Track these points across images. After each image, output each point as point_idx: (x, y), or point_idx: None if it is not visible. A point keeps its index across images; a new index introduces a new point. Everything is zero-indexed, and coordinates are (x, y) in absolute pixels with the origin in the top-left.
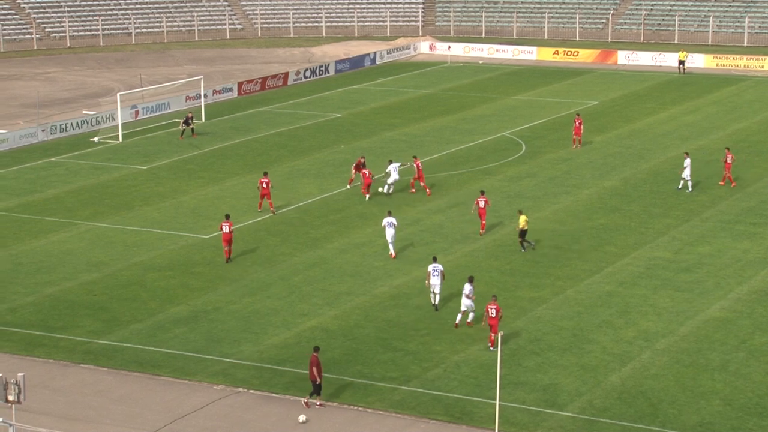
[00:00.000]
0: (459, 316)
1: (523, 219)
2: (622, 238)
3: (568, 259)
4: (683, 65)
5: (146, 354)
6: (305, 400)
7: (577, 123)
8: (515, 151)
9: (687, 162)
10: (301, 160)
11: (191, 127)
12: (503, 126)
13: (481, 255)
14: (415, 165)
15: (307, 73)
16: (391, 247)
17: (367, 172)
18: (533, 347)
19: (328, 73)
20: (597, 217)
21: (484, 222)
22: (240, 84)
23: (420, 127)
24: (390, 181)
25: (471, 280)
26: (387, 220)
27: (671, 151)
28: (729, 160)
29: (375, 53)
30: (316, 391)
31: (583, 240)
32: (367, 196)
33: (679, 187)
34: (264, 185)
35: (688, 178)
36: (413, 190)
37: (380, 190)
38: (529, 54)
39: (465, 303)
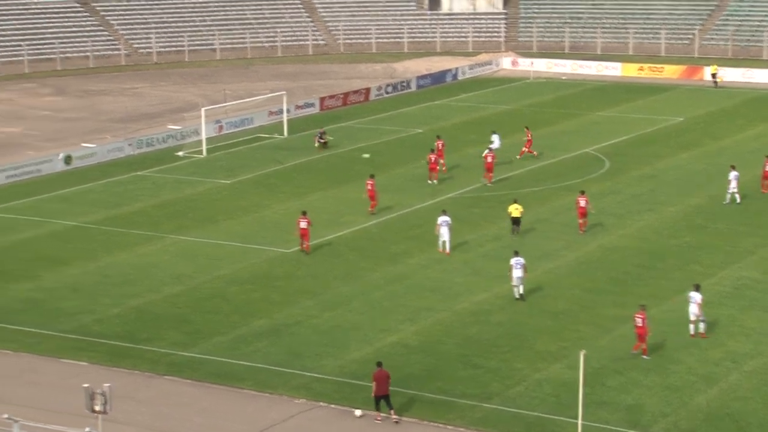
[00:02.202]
0: (691, 326)
1: (514, 207)
2: (708, 256)
3: (652, 278)
4: (715, 78)
5: (228, 367)
6: (378, 417)
7: (527, 137)
8: (598, 168)
9: (732, 175)
10: (382, 175)
11: (324, 141)
12: (586, 142)
13: (562, 272)
14: (437, 145)
15: (389, 89)
16: (447, 245)
17: (433, 158)
18: (617, 366)
19: (410, 88)
20: (682, 235)
21: (585, 221)
22: (322, 99)
23: (501, 143)
24: (493, 146)
25: (697, 288)
26: (442, 219)
27: (759, 168)
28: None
29: (457, 69)
30: (388, 403)
31: (667, 258)
32: (433, 181)
33: (726, 201)
34: (369, 188)
35: (735, 190)
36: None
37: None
38: (614, 70)
39: (693, 311)
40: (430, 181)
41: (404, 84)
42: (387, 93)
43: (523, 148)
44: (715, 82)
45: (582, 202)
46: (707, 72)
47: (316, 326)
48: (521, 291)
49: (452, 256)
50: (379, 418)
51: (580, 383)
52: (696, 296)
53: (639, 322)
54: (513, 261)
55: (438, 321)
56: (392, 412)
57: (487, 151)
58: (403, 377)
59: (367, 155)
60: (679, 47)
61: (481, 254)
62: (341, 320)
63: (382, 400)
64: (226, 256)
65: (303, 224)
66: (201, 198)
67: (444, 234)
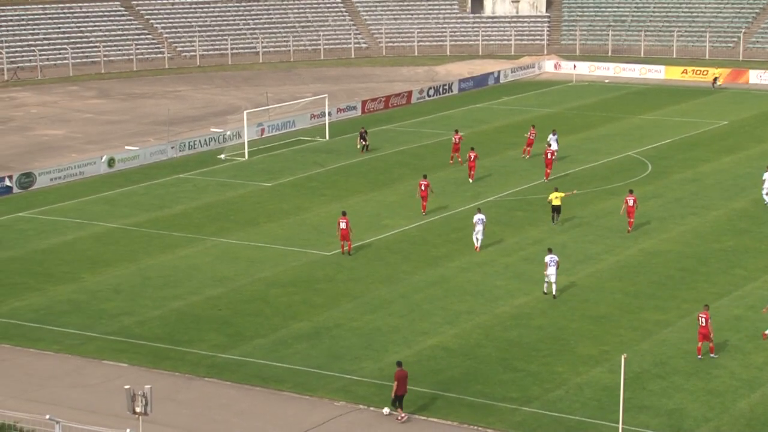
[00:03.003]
0: None
1: (554, 195)
2: (752, 260)
3: (694, 282)
4: (716, 81)
5: (269, 369)
6: (401, 416)
7: (531, 135)
8: (641, 171)
9: (766, 175)
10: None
11: (366, 143)
12: (628, 146)
13: (604, 276)
14: (454, 138)
15: (431, 92)
16: (477, 241)
17: (472, 155)
18: (658, 371)
19: (452, 91)
20: (725, 239)
21: (632, 220)
22: (364, 102)
23: (544, 146)
24: (552, 148)
25: None
26: (477, 217)
27: None
28: None
29: (499, 72)
30: (401, 403)
31: (710, 262)
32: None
33: (766, 202)
34: (423, 188)
35: None
36: (451, 161)
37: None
38: (657, 73)
39: None
40: (471, 180)
41: (446, 87)
42: (429, 96)
43: (527, 147)
44: (715, 85)
45: (630, 201)
46: (752, 75)
47: (355, 329)
48: (554, 290)
49: (493, 260)
50: (402, 418)
51: (621, 387)
52: None
53: (702, 321)
54: (547, 258)
55: (478, 324)
56: (402, 412)
57: (548, 147)
58: (443, 380)
59: (462, 163)
60: (723, 50)
61: (523, 257)
62: (381, 323)
63: (399, 399)
64: (267, 258)
65: (342, 224)
66: (242, 200)
67: (478, 231)
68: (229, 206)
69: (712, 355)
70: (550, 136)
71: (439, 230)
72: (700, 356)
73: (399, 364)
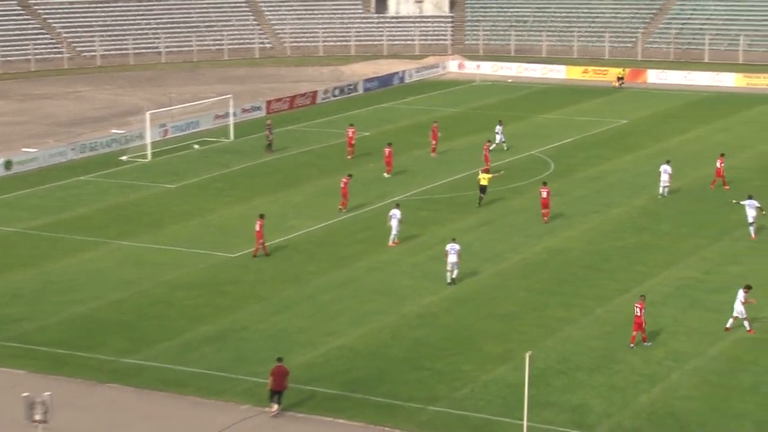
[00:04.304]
0: (730, 321)
1: (482, 176)
2: (651, 257)
3: (597, 279)
4: (621, 81)
5: (173, 373)
6: (273, 410)
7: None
8: (544, 170)
9: (662, 168)
10: (330, 179)
11: (270, 141)
12: (532, 144)
13: (510, 274)
14: (348, 133)
15: (336, 92)
16: (392, 237)
17: (387, 151)
18: (562, 367)
19: (357, 91)
20: (627, 236)
21: (547, 211)
22: (269, 102)
23: (448, 145)
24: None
25: (746, 288)
26: (393, 212)
27: (701, 170)
28: (719, 165)
29: (404, 72)
30: (280, 399)
31: (612, 259)
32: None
33: (661, 194)
34: (343, 185)
35: (667, 185)
36: (349, 157)
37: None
38: (558, 73)
39: (737, 309)
40: (387, 175)
41: (351, 87)
42: (334, 96)
43: (433, 142)
44: (620, 84)
45: (544, 194)
46: (651, 75)
47: (262, 331)
48: (454, 276)
49: (400, 259)
50: (273, 412)
51: (526, 384)
52: (740, 294)
53: (638, 311)
54: (448, 246)
55: (385, 324)
56: (276, 406)
57: (496, 142)
58: (350, 381)
59: (371, 165)
60: (622, 50)
61: (430, 257)
62: (287, 324)
63: (276, 395)
64: (171, 261)
65: (257, 227)
66: (146, 202)
67: (393, 227)
68: (133, 208)
69: (645, 343)
70: (497, 127)
71: (346, 230)
72: (632, 345)
73: (279, 359)
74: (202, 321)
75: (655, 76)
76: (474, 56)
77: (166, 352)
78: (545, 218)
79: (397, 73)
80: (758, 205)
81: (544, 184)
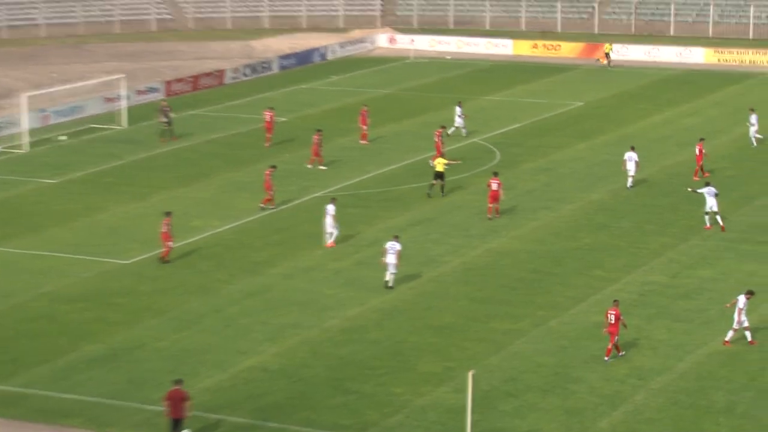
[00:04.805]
0: (730, 333)
1: (438, 161)
2: (611, 260)
3: (549, 285)
4: (609, 58)
5: (55, 401)
6: None
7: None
8: (488, 161)
9: (627, 156)
10: (240, 172)
11: (168, 120)
12: (474, 131)
13: (449, 280)
14: (266, 117)
15: (247, 71)
16: (327, 237)
17: (316, 138)
18: (509, 388)
19: (272, 70)
20: (582, 235)
21: (497, 206)
22: (168, 83)
23: (378, 132)
24: (457, 123)
25: (748, 294)
26: (329, 207)
27: (667, 158)
28: (699, 152)
29: (326, 47)
30: (178, 429)
31: (566, 262)
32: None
33: (630, 185)
34: (266, 178)
35: (632, 173)
36: (267, 144)
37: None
38: (504, 48)
39: (737, 318)
40: (310, 166)
41: (265, 65)
42: (245, 76)
43: (363, 127)
44: (608, 61)
45: (494, 185)
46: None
47: (161, 350)
48: (389, 278)
49: (322, 265)
50: None
51: (469, 408)
52: (741, 300)
53: (612, 319)
54: (388, 245)
55: (304, 340)
56: None
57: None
58: (264, 407)
59: (287, 155)
60: (577, 22)
61: (356, 261)
62: (191, 342)
63: (175, 424)
64: (52, 269)
65: (163, 227)
66: (22, 201)
67: (328, 223)
68: (6, 208)
69: (620, 354)
70: (456, 109)
71: (259, 232)
72: (608, 358)
73: (177, 382)
74: (89, 339)
75: (614, 52)
76: (407, 29)
77: (46, 377)
78: (492, 214)
79: (317, 48)
80: (717, 193)
81: (495, 174)
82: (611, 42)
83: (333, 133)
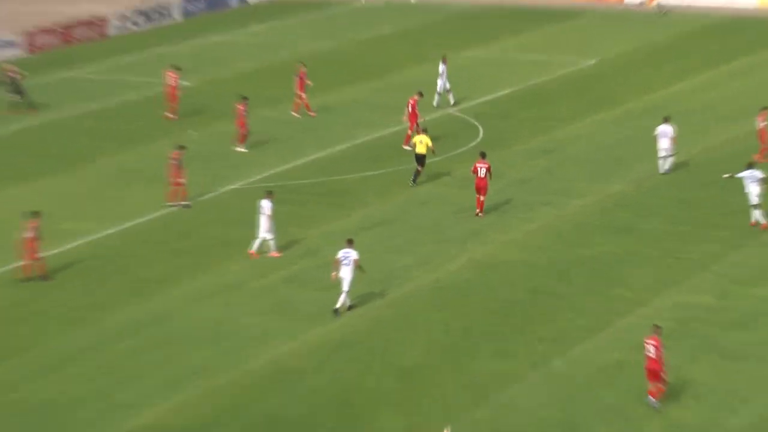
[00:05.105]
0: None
1: (419, 138)
2: (636, 274)
3: (553, 310)
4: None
5: None
6: None
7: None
8: (468, 139)
9: (661, 131)
10: (128, 155)
11: (20, 91)
12: (449, 99)
13: (417, 302)
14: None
15: (139, 19)
16: (256, 244)
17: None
18: None
19: (172, 17)
20: (597, 241)
21: (483, 198)
22: (30, 35)
23: (318, 101)
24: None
25: None
26: (263, 204)
27: (711, 135)
28: (763, 125)
29: None
30: None
31: (576, 278)
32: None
33: (663, 170)
34: (175, 161)
35: (669, 153)
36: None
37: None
38: None
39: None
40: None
41: (163, 10)
42: (136, 25)
43: (299, 100)
44: (660, 6)
45: (482, 170)
46: None
47: (15, 403)
48: (340, 302)
49: (241, 282)
50: None
51: None
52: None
53: (651, 351)
54: (341, 254)
55: (214, 389)
56: None
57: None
58: None
59: (193, 132)
60: None
61: (288, 278)
62: (56, 392)
63: None
64: None
65: (28, 232)
66: None
67: (261, 227)
68: None
69: (651, 400)
70: (440, 66)
71: (155, 238)
72: (655, 401)
73: None
74: None
75: None
76: None
77: None
78: (479, 210)
79: None
80: (763, 176)
81: (483, 156)
82: None
83: (256, 102)
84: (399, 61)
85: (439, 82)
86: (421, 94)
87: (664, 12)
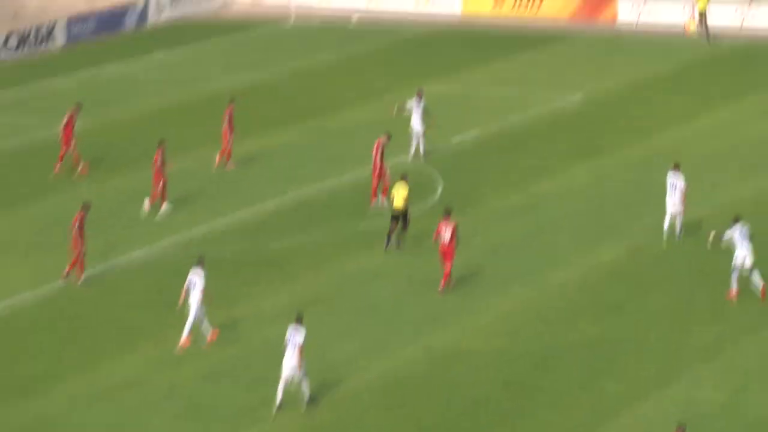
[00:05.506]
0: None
1: (398, 188)
2: (632, 363)
3: (532, 407)
4: (704, 19)
5: None
6: None
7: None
8: (426, 194)
9: (673, 181)
10: (7, 217)
11: None
12: (400, 143)
13: (362, 402)
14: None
15: (12, 42)
16: (187, 329)
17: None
18: None
19: (54, 41)
20: (585, 323)
21: (449, 266)
22: None
23: (241, 148)
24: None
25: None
26: (193, 279)
27: (727, 189)
28: None
29: (146, 3)
30: None
31: (559, 369)
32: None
33: (676, 235)
34: (74, 227)
35: (679, 210)
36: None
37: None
38: (450, 3)
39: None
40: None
41: (43, 33)
42: (9, 49)
43: (223, 146)
44: (705, 28)
45: (446, 233)
46: (623, 6)
47: None
48: (278, 400)
49: (143, 379)
50: None
51: None
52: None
53: None
54: (288, 333)
55: None
56: None
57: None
58: None
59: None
60: None
61: (202, 371)
62: None
63: None
64: None
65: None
66: None
67: (192, 305)
68: None
69: None
70: (412, 102)
71: (34, 320)
72: None
73: None
74: None
75: (630, 9)
76: None
77: None
78: (444, 284)
79: (132, 6)
80: (751, 232)
81: (447, 214)
82: None
83: (169, 148)
84: (339, 98)
85: (416, 123)
86: (389, 136)
87: (709, 39)
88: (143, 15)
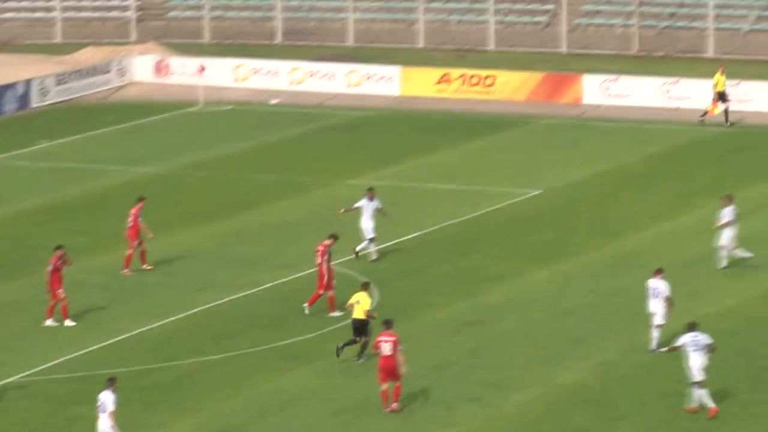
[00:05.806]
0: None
1: (357, 299)
2: None
3: None
4: (724, 101)
5: None
6: None
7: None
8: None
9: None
10: None
11: None
12: (332, 250)
13: None
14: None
15: None
16: None
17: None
18: None
19: None
20: None
21: (398, 384)
22: None
23: (137, 252)
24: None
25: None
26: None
27: (714, 300)
28: None
29: (28, 83)
30: None
31: None
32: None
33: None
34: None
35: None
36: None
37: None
38: (386, 82)
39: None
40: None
41: None
42: None
43: (130, 249)
44: (725, 111)
45: (386, 349)
46: (588, 86)
47: None
48: None
49: None
50: None
51: None
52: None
53: None
54: None
55: None
56: None
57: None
58: None
59: None
60: (528, 32)
61: None
62: None
63: None
64: None
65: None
66: None
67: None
68: None
69: None
70: (363, 201)
71: None
72: None
73: None
74: None
75: (598, 90)
76: (191, 45)
77: None
78: (395, 403)
79: (14, 85)
80: (709, 342)
81: (387, 325)
82: (722, 67)
83: (47, 254)
84: (257, 193)
85: (366, 223)
86: (335, 238)
87: (728, 121)
88: (25, 97)
